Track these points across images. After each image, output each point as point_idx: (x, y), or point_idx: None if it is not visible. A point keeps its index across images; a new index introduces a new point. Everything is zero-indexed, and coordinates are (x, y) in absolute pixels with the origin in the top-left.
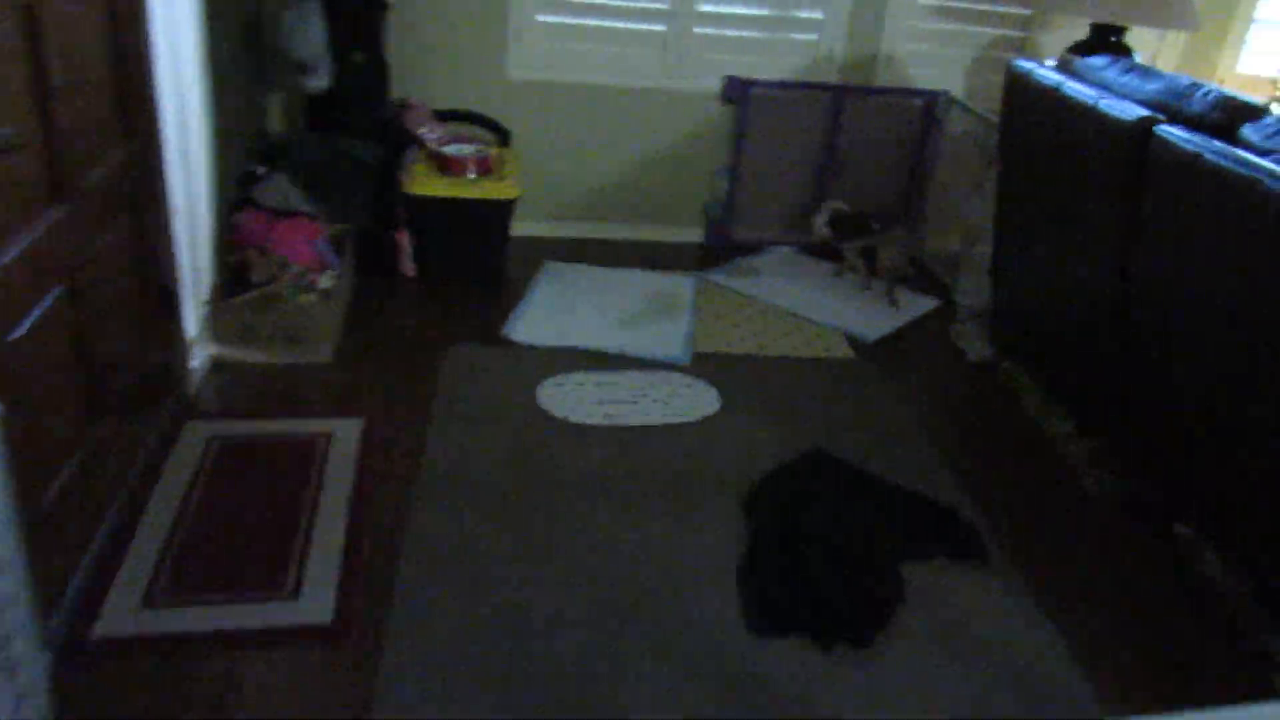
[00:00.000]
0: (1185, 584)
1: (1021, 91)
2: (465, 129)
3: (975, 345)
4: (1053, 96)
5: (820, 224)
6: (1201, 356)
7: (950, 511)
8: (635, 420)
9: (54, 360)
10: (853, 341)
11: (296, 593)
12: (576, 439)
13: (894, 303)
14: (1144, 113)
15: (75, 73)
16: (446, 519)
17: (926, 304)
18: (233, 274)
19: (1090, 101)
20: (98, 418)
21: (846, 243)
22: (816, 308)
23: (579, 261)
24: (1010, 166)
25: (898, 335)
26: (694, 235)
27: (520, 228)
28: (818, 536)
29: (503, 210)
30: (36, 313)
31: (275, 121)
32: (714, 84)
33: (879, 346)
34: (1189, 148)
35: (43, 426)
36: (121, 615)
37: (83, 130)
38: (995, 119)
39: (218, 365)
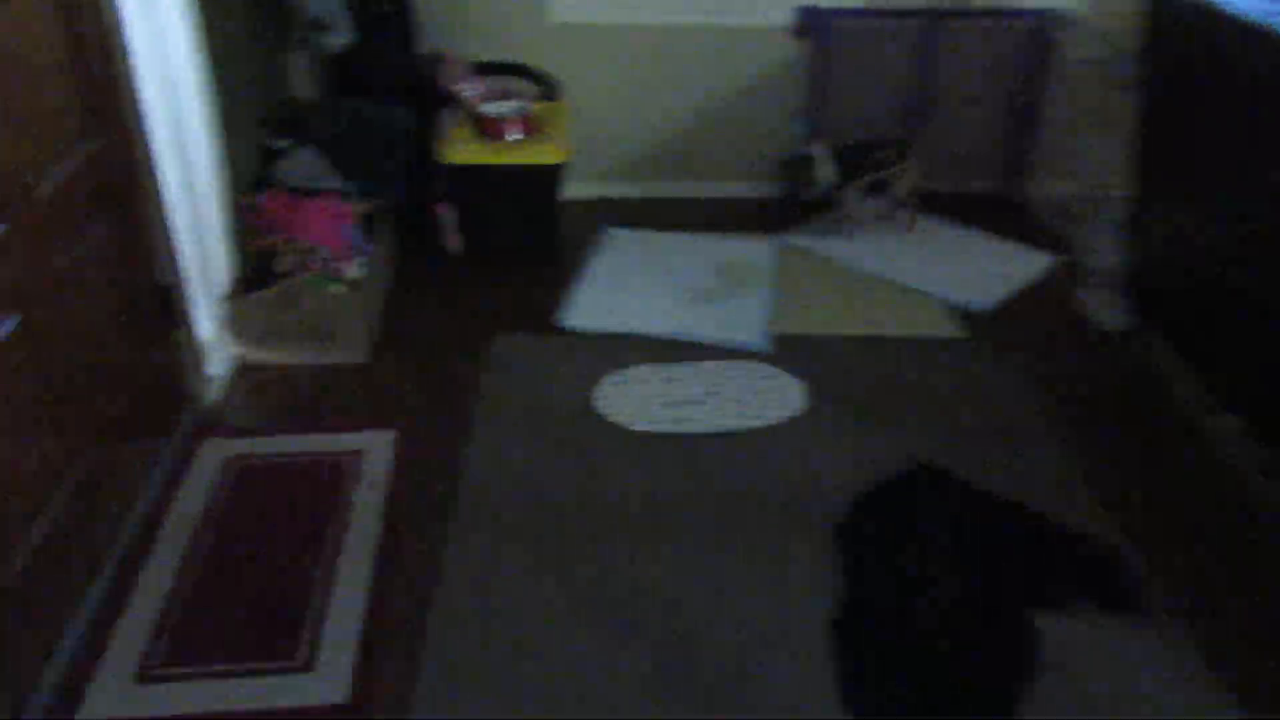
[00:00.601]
0: None
1: (1168, 10)
2: (508, 82)
3: (1108, 314)
4: (1210, 16)
5: (829, 172)
6: None
7: (1093, 543)
8: (707, 425)
9: (17, 400)
10: (960, 313)
11: (310, 663)
12: (638, 452)
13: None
14: None
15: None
16: (483, 564)
17: (1041, 262)
18: (256, 264)
19: (1262, 22)
20: (82, 451)
21: (855, 181)
22: (916, 272)
23: (642, 226)
24: (1156, 101)
25: (1013, 303)
26: (770, 190)
27: (576, 190)
28: (928, 580)
29: (550, 176)
30: None
31: (304, 86)
32: (785, 16)
33: (992, 318)
34: None
35: (7, 477)
36: (111, 693)
37: (23, 136)
38: (1125, 41)
39: (242, 368)
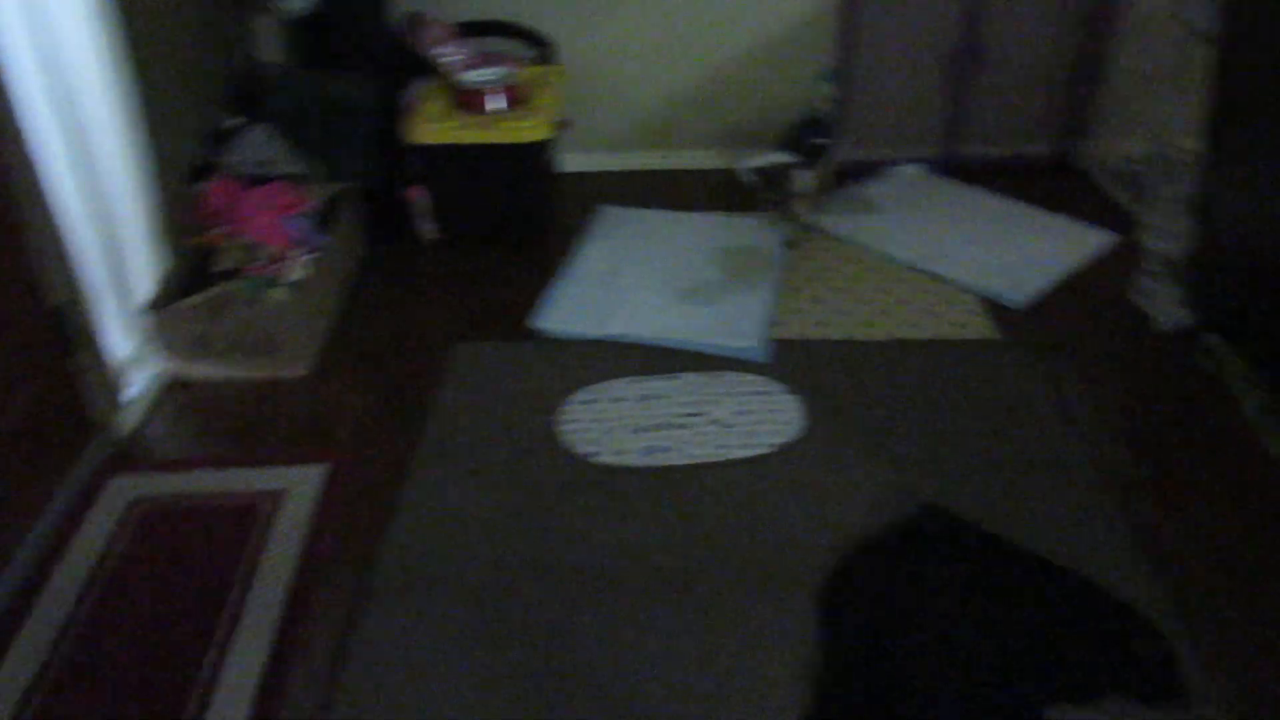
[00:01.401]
0: None
1: None
2: (496, 45)
3: (1168, 308)
4: None
5: (807, 179)
6: None
7: (1132, 614)
8: (684, 456)
9: None
10: (995, 308)
11: None
12: (600, 492)
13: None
14: None
15: None
16: (402, 641)
17: (1096, 242)
18: (194, 264)
19: None
20: None
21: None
22: (948, 257)
23: (646, 203)
24: (1233, 54)
25: (1059, 292)
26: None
27: (575, 162)
28: (924, 664)
29: (534, 153)
30: None
31: (271, 56)
32: None
33: (1031, 314)
34: None
35: None
36: None
37: None
38: None
39: (170, 386)
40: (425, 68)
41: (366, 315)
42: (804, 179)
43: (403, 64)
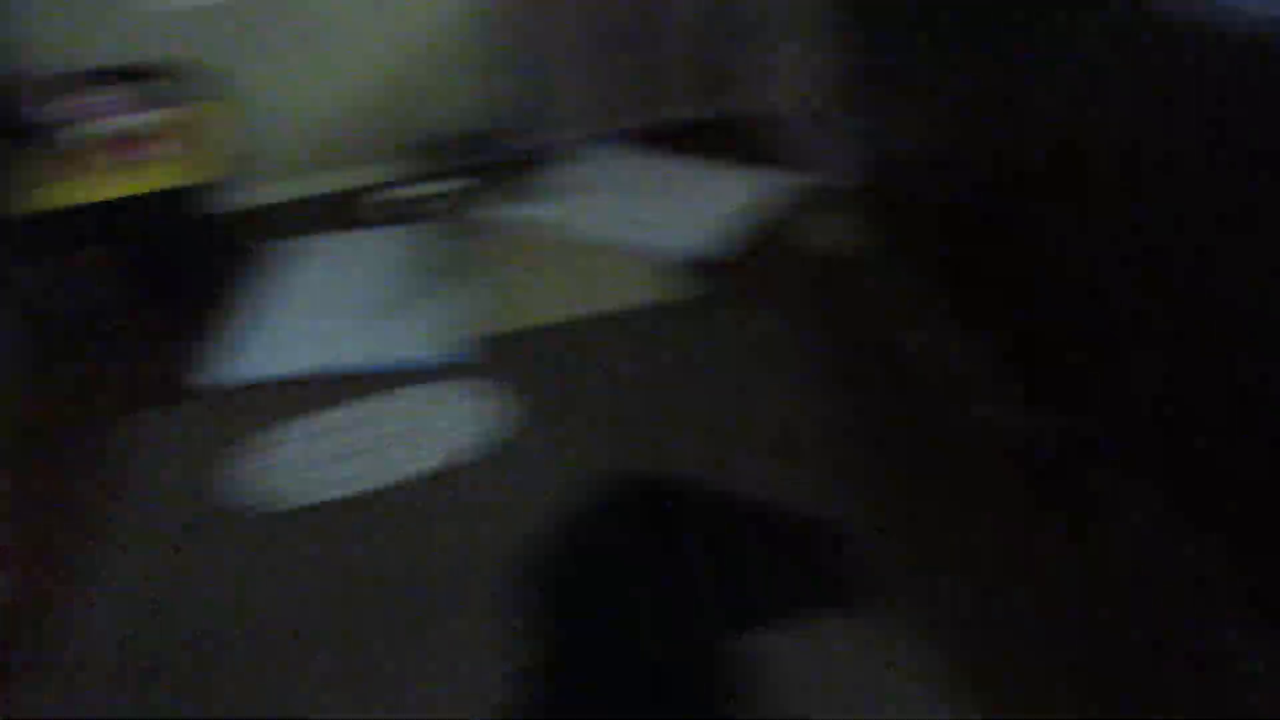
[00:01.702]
0: (1136, 570)
1: None
2: (135, 91)
3: (838, 236)
4: None
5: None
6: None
7: (823, 532)
8: (383, 479)
9: None
10: (688, 266)
11: None
12: (288, 539)
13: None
14: None
15: None
16: None
17: (774, 185)
18: None
19: None
20: None
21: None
22: (639, 225)
23: (328, 228)
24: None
25: (745, 241)
26: (486, 155)
27: (249, 197)
28: (607, 629)
29: (188, 197)
30: None
31: None
32: None
33: (722, 265)
34: None
35: None
36: None
37: None
38: None
39: None
40: (50, 127)
41: (23, 406)
42: (453, 192)
43: (21, 126)
